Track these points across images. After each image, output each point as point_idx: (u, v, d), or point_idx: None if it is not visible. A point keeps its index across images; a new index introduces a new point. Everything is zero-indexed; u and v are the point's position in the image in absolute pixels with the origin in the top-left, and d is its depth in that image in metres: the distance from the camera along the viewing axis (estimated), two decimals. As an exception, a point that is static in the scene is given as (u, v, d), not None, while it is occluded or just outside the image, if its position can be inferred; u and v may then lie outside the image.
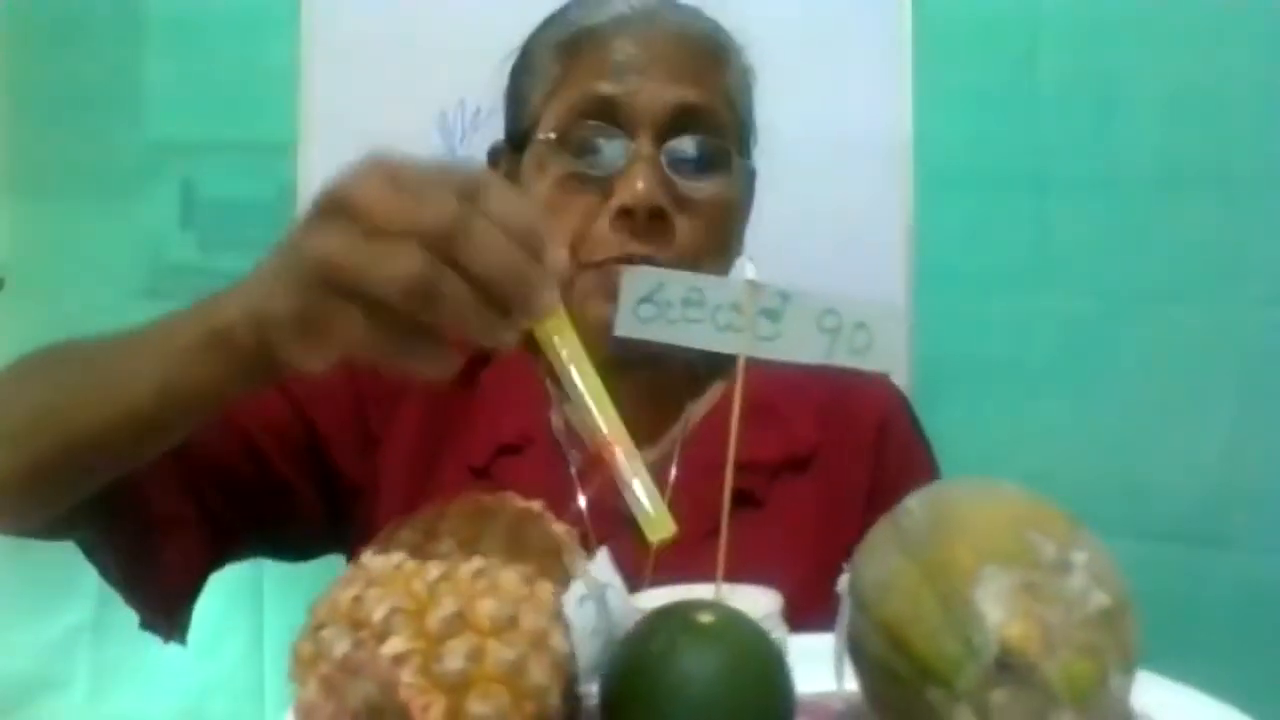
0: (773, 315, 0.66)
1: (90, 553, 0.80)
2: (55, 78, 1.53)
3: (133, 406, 0.62)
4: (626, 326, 0.66)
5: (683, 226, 0.85)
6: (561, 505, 0.86)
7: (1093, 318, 1.41)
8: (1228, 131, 1.37)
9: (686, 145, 0.85)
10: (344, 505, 0.88)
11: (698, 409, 0.91)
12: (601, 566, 0.56)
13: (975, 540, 0.52)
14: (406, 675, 0.48)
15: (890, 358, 0.65)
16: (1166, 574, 1.36)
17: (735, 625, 0.53)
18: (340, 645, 0.49)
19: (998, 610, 0.49)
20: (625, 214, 0.83)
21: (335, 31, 1.40)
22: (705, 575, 0.63)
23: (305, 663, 0.50)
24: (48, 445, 0.66)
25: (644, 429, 0.90)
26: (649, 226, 0.83)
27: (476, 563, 0.51)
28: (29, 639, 1.48)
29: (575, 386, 0.58)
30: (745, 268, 0.67)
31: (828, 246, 1.30)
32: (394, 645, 0.48)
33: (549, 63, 0.89)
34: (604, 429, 0.57)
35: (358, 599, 0.50)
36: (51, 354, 0.73)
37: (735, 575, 0.62)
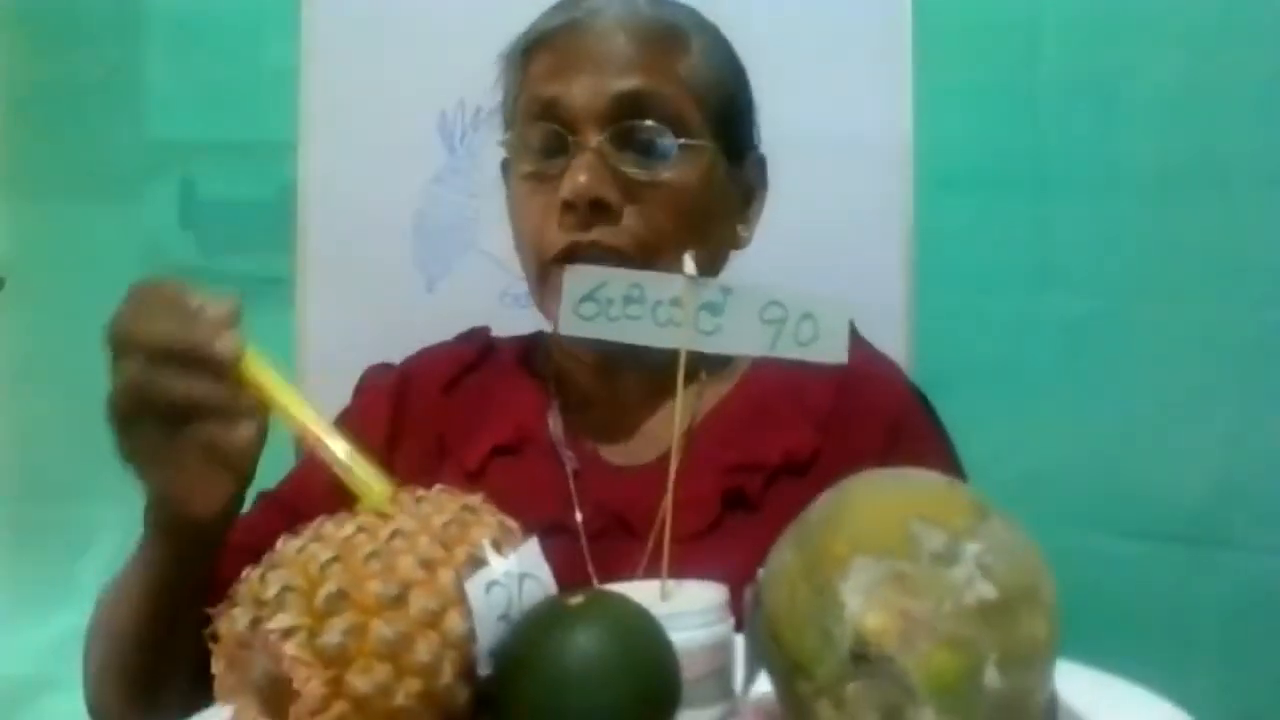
0: (714, 309, 0.66)
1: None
2: (55, 78, 1.53)
3: (144, 593, 0.73)
4: (568, 325, 0.67)
5: (631, 214, 0.85)
6: (558, 505, 0.86)
7: (1093, 318, 1.41)
8: (1228, 131, 1.37)
9: (628, 132, 0.85)
10: None
11: (698, 409, 0.91)
12: (526, 556, 0.57)
13: (854, 531, 0.51)
14: (291, 649, 0.50)
15: (835, 348, 0.65)
16: (1166, 574, 1.36)
17: (603, 605, 0.55)
18: (242, 621, 0.52)
19: (859, 600, 0.48)
20: (569, 207, 0.84)
21: (335, 31, 1.40)
22: (700, 574, 0.63)
23: (220, 639, 0.54)
24: (116, 652, 0.77)
25: (640, 426, 0.91)
26: (590, 217, 0.84)
27: (373, 546, 0.54)
28: (29, 639, 1.48)
29: (279, 405, 0.63)
30: (686, 264, 0.67)
31: (828, 246, 1.29)
32: (281, 620, 0.51)
33: (513, 71, 0.92)
34: (307, 428, 0.62)
35: (262, 578, 0.53)
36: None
37: (726, 577, 0.62)
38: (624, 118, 0.85)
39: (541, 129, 0.86)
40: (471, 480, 0.87)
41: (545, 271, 0.87)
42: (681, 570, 0.63)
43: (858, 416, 0.90)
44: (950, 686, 0.47)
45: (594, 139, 0.84)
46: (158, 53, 1.53)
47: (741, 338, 0.66)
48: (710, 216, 0.90)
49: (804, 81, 1.31)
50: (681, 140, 0.87)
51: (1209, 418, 1.37)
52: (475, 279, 1.36)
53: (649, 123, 0.85)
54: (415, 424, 0.93)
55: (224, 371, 0.62)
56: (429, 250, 1.41)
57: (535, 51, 0.90)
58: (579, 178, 0.83)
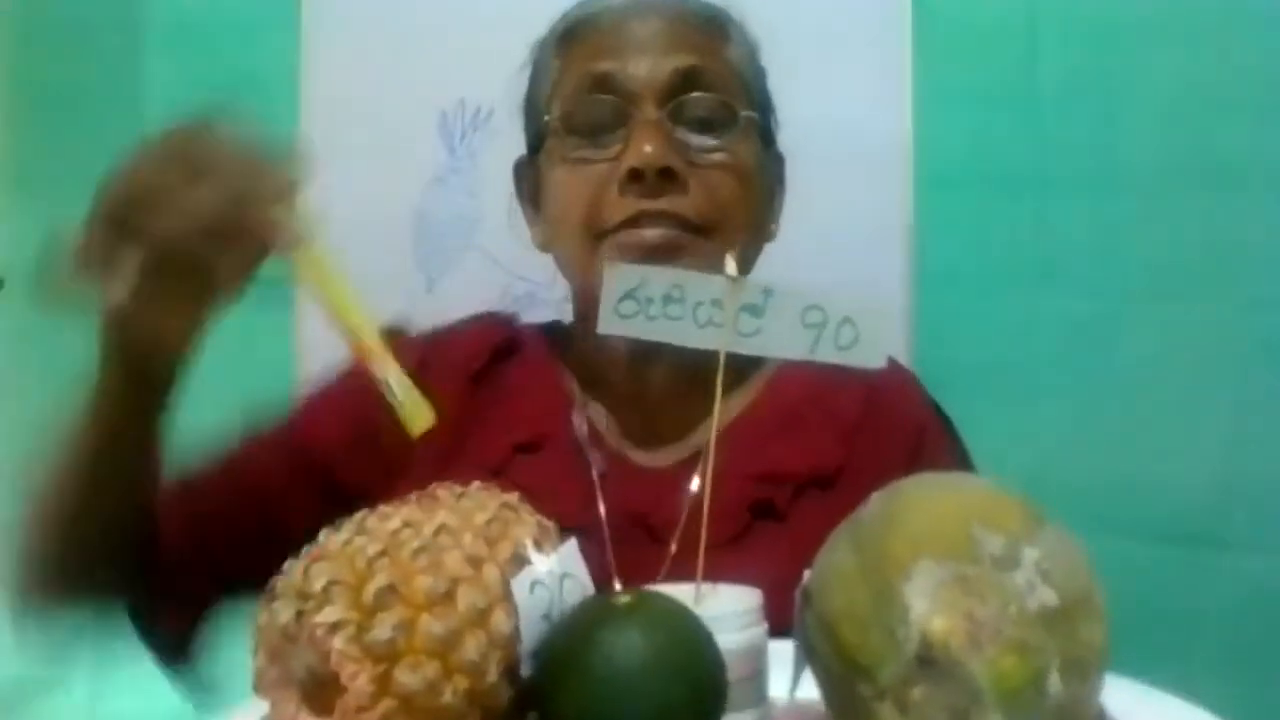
0: (755, 311, 0.65)
1: (109, 602, 0.86)
2: (55, 78, 1.53)
3: (89, 438, 0.73)
4: (608, 324, 0.67)
5: (696, 185, 0.84)
6: (580, 505, 0.86)
7: (1093, 318, 1.41)
8: (1228, 131, 1.37)
9: (691, 104, 0.85)
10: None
11: (724, 413, 0.90)
12: (566, 557, 0.57)
13: (914, 533, 0.51)
14: (338, 643, 0.49)
15: (876, 353, 0.65)
16: (1166, 574, 1.35)
17: (652, 605, 0.54)
18: (285, 614, 0.52)
19: (924, 602, 0.48)
20: (635, 176, 0.83)
21: (335, 31, 1.40)
22: (720, 582, 0.62)
23: (260, 631, 0.53)
24: (53, 514, 0.77)
25: (668, 426, 0.90)
26: (660, 186, 0.83)
27: (420, 542, 0.53)
28: (29, 639, 1.48)
29: (335, 303, 0.63)
30: (727, 264, 0.67)
31: (828, 246, 1.29)
32: (329, 614, 0.50)
33: (550, 59, 0.91)
34: (354, 336, 0.61)
35: (305, 572, 0.52)
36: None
37: (749, 585, 0.62)
38: (683, 89, 0.85)
39: (598, 102, 0.85)
40: (493, 477, 0.86)
41: (597, 244, 0.85)
42: (708, 578, 0.63)
43: (883, 431, 0.89)
44: (1017, 691, 0.47)
45: (654, 112, 0.84)
46: (158, 53, 1.53)
47: (782, 340, 0.66)
48: (760, 197, 0.91)
49: (804, 81, 1.30)
50: (744, 113, 0.87)
51: (1209, 417, 1.37)
52: (475, 279, 1.36)
53: (709, 95, 0.85)
54: (436, 407, 0.91)
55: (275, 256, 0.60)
56: (429, 250, 1.41)
57: (581, 33, 0.89)
58: (645, 147, 0.82)
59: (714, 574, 0.63)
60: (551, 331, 0.98)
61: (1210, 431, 1.36)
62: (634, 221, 0.83)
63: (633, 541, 0.84)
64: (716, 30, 0.90)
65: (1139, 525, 1.36)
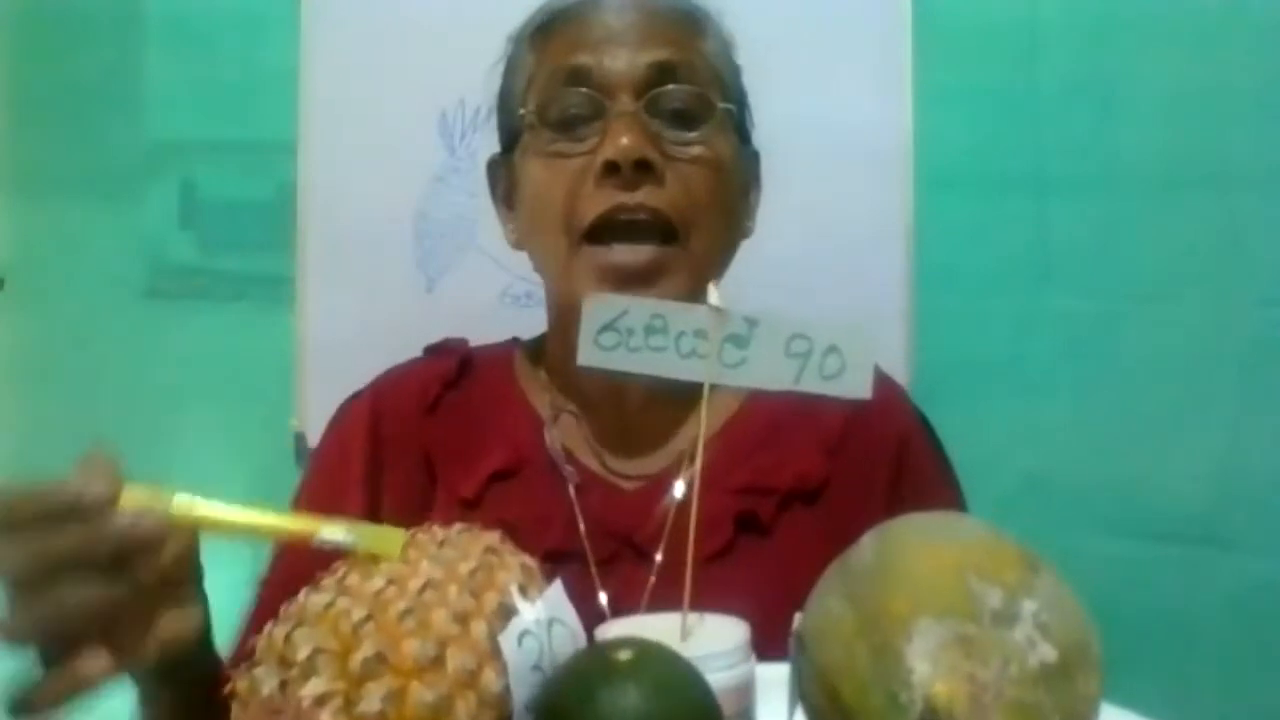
0: (739, 341, 0.64)
1: None
2: (55, 78, 1.53)
3: None
4: (588, 356, 0.65)
5: (673, 178, 0.83)
6: (559, 526, 0.85)
7: (1093, 318, 1.41)
8: (1228, 131, 1.37)
9: (667, 97, 0.84)
10: None
11: (709, 422, 0.89)
12: (553, 600, 0.56)
13: (914, 589, 0.50)
14: (326, 717, 0.48)
15: (862, 383, 0.64)
16: (1166, 574, 1.36)
17: (652, 662, 0.52)
18: (268, 684, 0.50)
19: (926, 666, 0.47)
20: (611, 169, 0.81)
21: (335, 31, 1.40)
22: (712, 598, 0.62)
23: (240, 701, 0.51)
24: None
25: (647, 434, 0.89)
26: (636, 179, 0.81)
27: (406, 602, 0.52)
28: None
29: (239, 528, 0.57)
30: (711, 294, 0.65)
31: (828, 246, 1.29)
32: (315, 686, 0.49)
33: (524, 53, 0.90)
34: (285, 531, 0.57)
35: (289, 638, 0.51)
36: None
37: (735, 600, 0.61)
38: (658, 84, 0.84)
39: (573, 94, 0.84)
40: (469, 509, 0.85)
41: (577, 244, 0.83)
42: (695, 593, 0.62)
43: (869, 444, 0.88)
44: None
45: (631, 104, 0.83)
46: (158, 53, 1.53)
47: (766, 371, 0.64)
48: (736, 192, 0.89)
49: (804, 81, 1.31)
50: (721, 105, 0.86)
51: (1209, 418, 1.37)
52: (475, 279, 1.36)
53: (686, 88, 0.84)
54: (396, 450, 0.89)
55: (112, 528, 0.54)
56: (429, 250, 1.41)
57: (555, 27, 0.88)
58: (621, 139, 0.81)
59: (701, 588, 0.62)
60: (514, 348, 0.97)
61: (1210, 431, 1.37)
62: (613, 214, 0.81)
63: (618, 560, 0.83)
64: (692, 25, 0.89)
65: (1139, 525, 1.36)
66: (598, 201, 0.82)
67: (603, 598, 0.81)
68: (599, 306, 0.65)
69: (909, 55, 1.36)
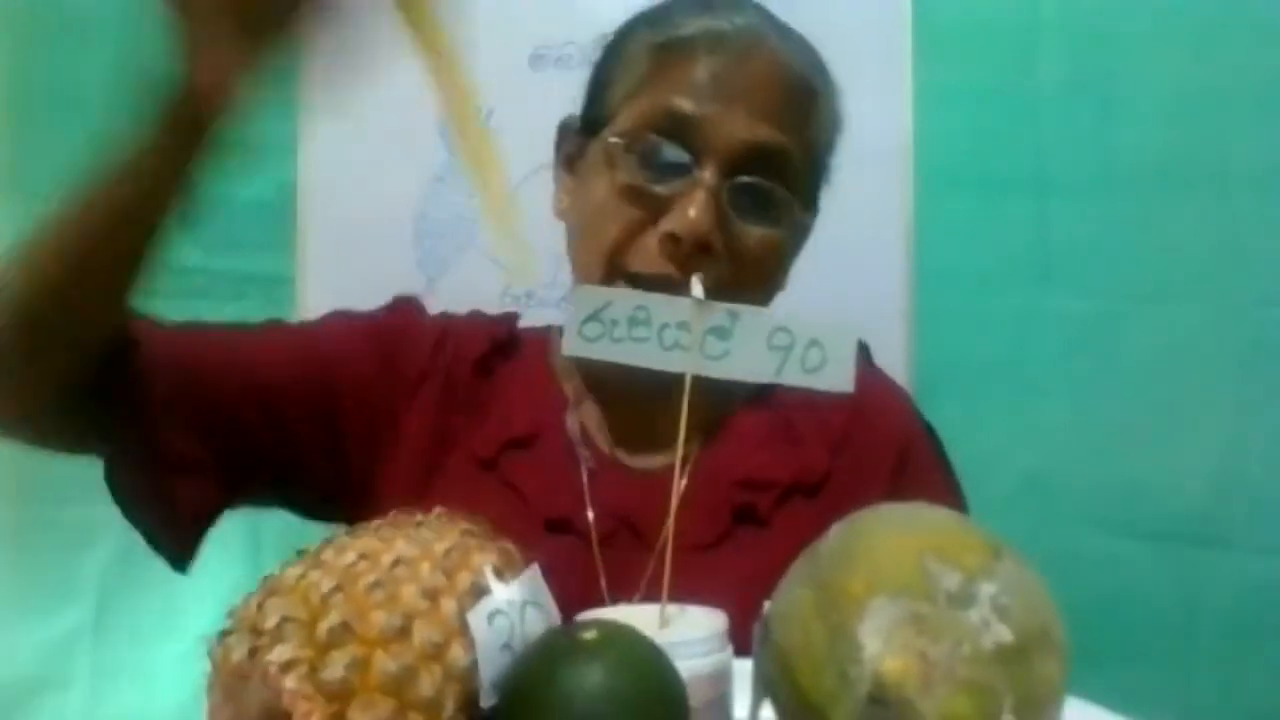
0: (721, 333, 0.65)
1: (109, 475, 0.83)
2: (55, 78, 1.53)
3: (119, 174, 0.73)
4: (572, 346, 0.66)
5: (729, 255, 0.82)
6: (569, 503, 0.86)
7: (1093, 318, 1.41)
8: (1228, 131, 1.37)
9: (752, 187, 0.82)
10: (350, 479, 0.88)
11: (716, 416, 0.90)
12: (528, 584, 0.56)
13: (872, 569, 0.50)
14: (290, 682, 0.49)
15: (842, 377, 0.64)
16: (1166, 574, 1.36)
17: (617, 642, 0.53)
18: (239, 651, 0.51)
19: (878, 643, 0.47)
20: (673, 239, 0.81)
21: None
22: (705, 586, 0.62)
23: (214, 668, 0.52)
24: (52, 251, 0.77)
25: (661, 431, 0.89)
26: (694, 257, 0.81)
27: (377, 575, 0.52)
28: (29, 639, 1.48)
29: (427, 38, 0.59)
30: (694, 287, 0.66)
31: (828, 247, 1.29)
32: (281, 653, 0.49)
33: (636, 62, 0.87)
34: (452, 76, 0.59)
35: (260, 607, 0.52)
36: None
37: (732, 593, 0.61)
38: (752, 169, 0.82)
39: (664, 148, 0.82)
40: (484, 469, 0.86)
41: (616, 275, 0.83)
42: (687, 581, 0.62)
43: (871, 444, 0.89)
44: None
45: (716, 179, 0.81)
46: (158, 52, 1.53)
47: (748, 363, 0.65)
48: (784, 267, 0.90)
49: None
50: (800, 216, 0.86)
51: (1209, 417, 1.37)
52: (475, 279, 1.36)
53: (774, 187, 0.83)
54: (441, 387, 0.90)
55: None
56: (429, 250, 1.41)
57: (672, 53, 0.85)
58: (691, 212, 0.80)
59: (693, 578, 0.62)
60: (552, 333, 0.98)
61: (1210, 431, 1.37)
62: (661, 282, 0.80)
63: (619, 543, 0.84)
64: (808, 100, 0.87)
65: (1139, 525, 1.36)
66: (648, 261, 0.82)
67: (603, 579, 0.82)
68: (584, 296, 0.66)
69: (909, 55, 1.36)
